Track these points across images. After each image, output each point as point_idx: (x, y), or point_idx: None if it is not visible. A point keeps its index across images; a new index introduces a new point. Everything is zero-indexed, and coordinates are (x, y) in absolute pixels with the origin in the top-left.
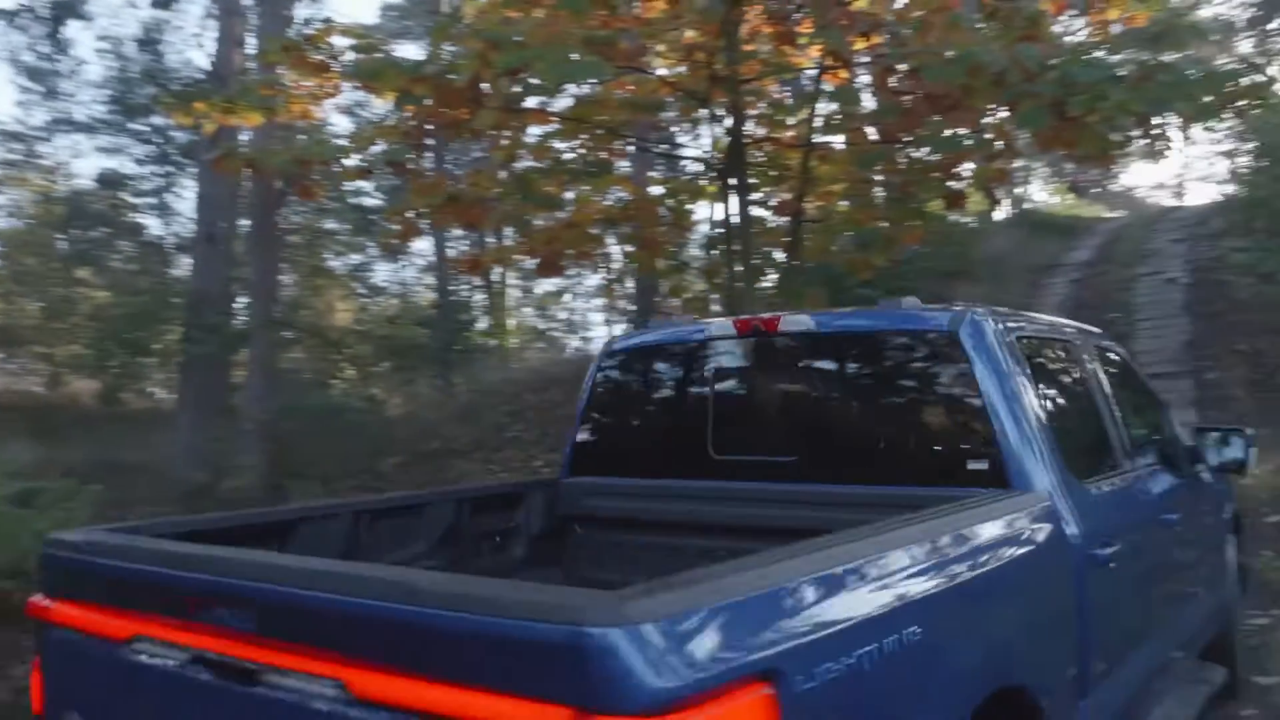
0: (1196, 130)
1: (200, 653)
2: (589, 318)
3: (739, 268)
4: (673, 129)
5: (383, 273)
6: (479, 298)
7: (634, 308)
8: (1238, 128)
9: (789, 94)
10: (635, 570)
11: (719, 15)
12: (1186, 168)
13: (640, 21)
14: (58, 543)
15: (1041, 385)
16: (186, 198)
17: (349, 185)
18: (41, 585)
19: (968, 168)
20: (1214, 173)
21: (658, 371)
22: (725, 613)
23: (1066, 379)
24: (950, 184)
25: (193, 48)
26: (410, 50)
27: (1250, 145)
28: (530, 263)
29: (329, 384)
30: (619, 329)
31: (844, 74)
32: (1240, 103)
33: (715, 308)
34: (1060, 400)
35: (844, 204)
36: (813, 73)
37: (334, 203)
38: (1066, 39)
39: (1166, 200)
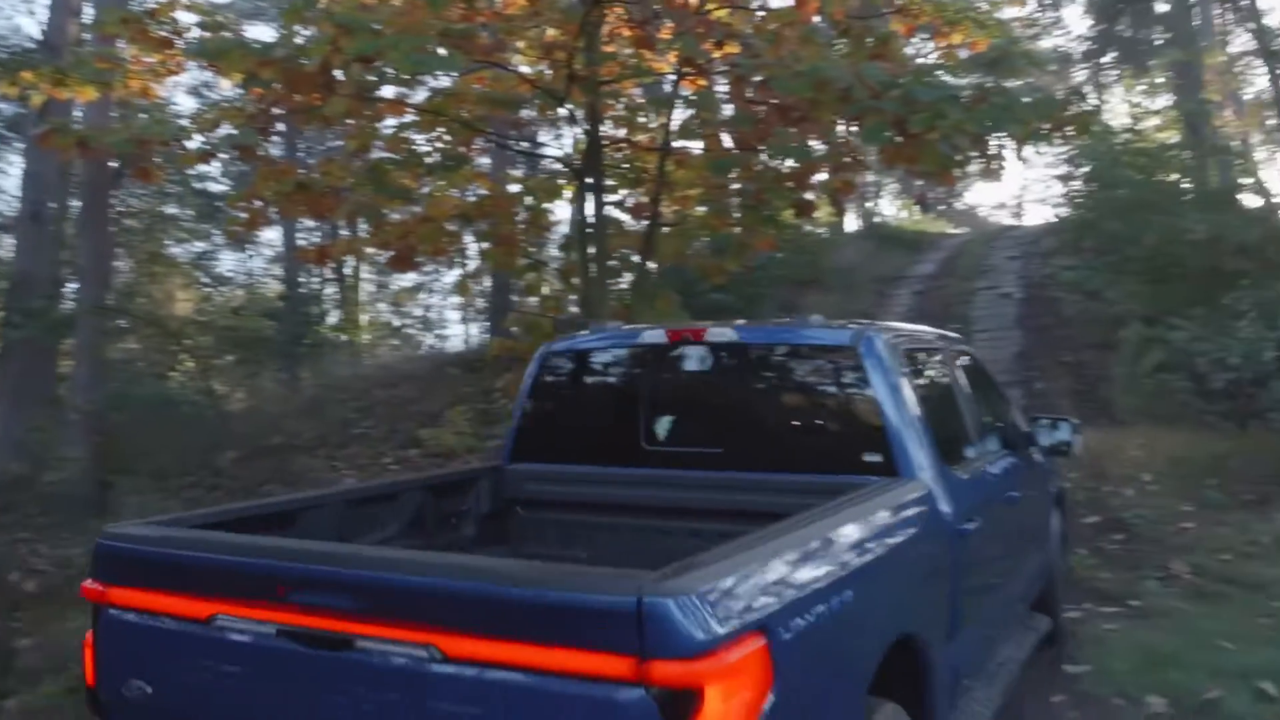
0: (1033, 153)
1: (288, 627)
2: (446, 315)
3: (594, 269)
4: (533, 127)
5: (228, 262)
6: (330, 291)
7: (489, 306)
8: (1070, 153)
9: (649, 97)
10: (575, 547)
11: (579, 15)
12: (1025, 189)
13: (499, 17)
14: (116, 535)
15: (920, 388)
16: (11, 174)
17: (193, 169)
18: (95, 572)
19: (819, 178)
20: (1050, 195)
21: (594, 371)
22: (733, 586)
23: (939, 382)
24: (801, 193)
25: (23, 14)
26: (263, 31)
27: (1081, 170)
28: (383, 256)
29: (166, 376)
30: (475, 328)
31: (702, 81)
32: (1068, 128)
33: (573, 309)
34: (934, 400)
35: (701, 209)
36: (672, 78)
37: (176, 186)
38: (919, 61)
39: (1006, 219)
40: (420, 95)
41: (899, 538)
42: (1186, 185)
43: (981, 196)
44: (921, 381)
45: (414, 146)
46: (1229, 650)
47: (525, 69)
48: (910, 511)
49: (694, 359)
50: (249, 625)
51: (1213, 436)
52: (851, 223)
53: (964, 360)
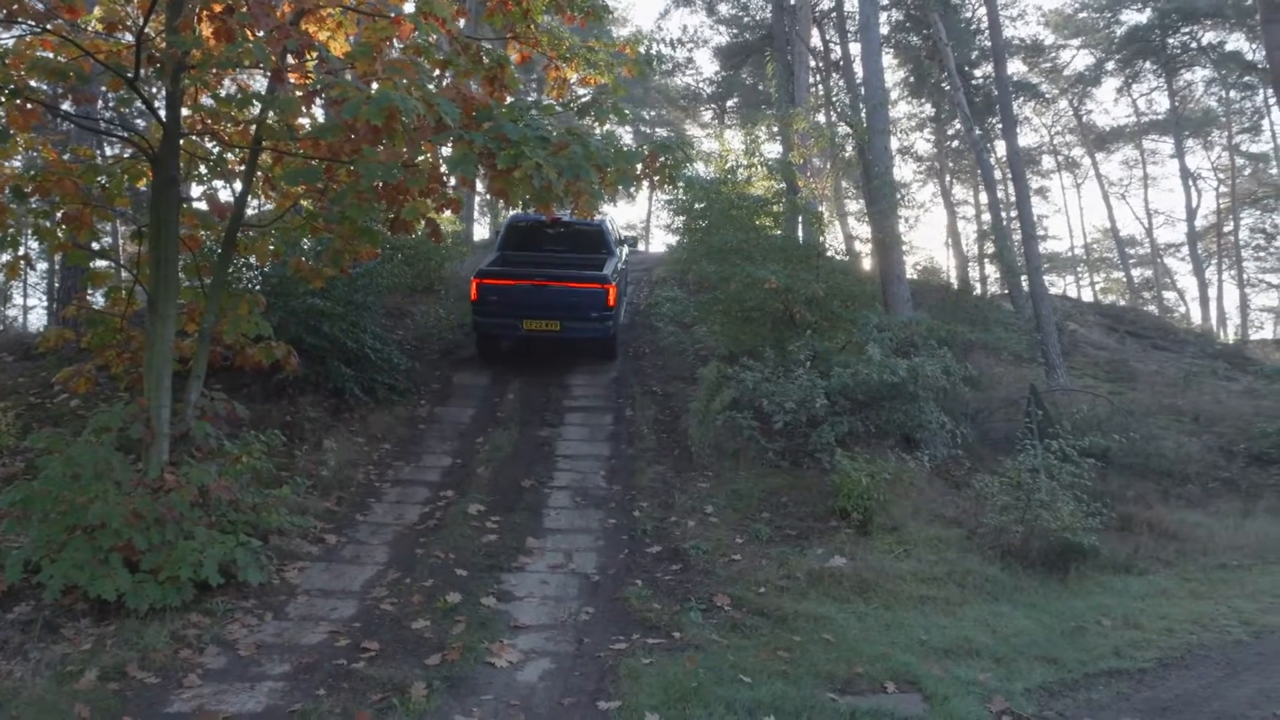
0: (628, 194)
1: (539, 284)
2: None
3: (163, 262)
4: (116, 107)
5: None
6: None
7: (60, 288)
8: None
9: (240, 95)
10: (527, 273)
11: None
12: (653, 214)
13: None
14: (487, 269)
15: (615, 239)
16: None
17: None
18: (477, 276)
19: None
20: (669, 224)
21: (528, 226)
22: (613, 273)
23: (613, 231)
24: (395, 210)
25: None
26: None
27: (693, 206)
28: None
29: None
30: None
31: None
32: (655, 176)
33: (141, 304)
34: (616, 237)
35: (305, 206)
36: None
37: None
38: (534, 98)
39: (634, 242)
40: None
41: (628, 268)
42: (776, 235)
43: (612, 215)
44: (613, 235)
45: None
46: (746, 684)
47: (103, 39)
48: (614, 264)
49: (558, 226)
50: (530, 285)
51: (770, 473)
52: (480, 231)
53: (610, 222)
